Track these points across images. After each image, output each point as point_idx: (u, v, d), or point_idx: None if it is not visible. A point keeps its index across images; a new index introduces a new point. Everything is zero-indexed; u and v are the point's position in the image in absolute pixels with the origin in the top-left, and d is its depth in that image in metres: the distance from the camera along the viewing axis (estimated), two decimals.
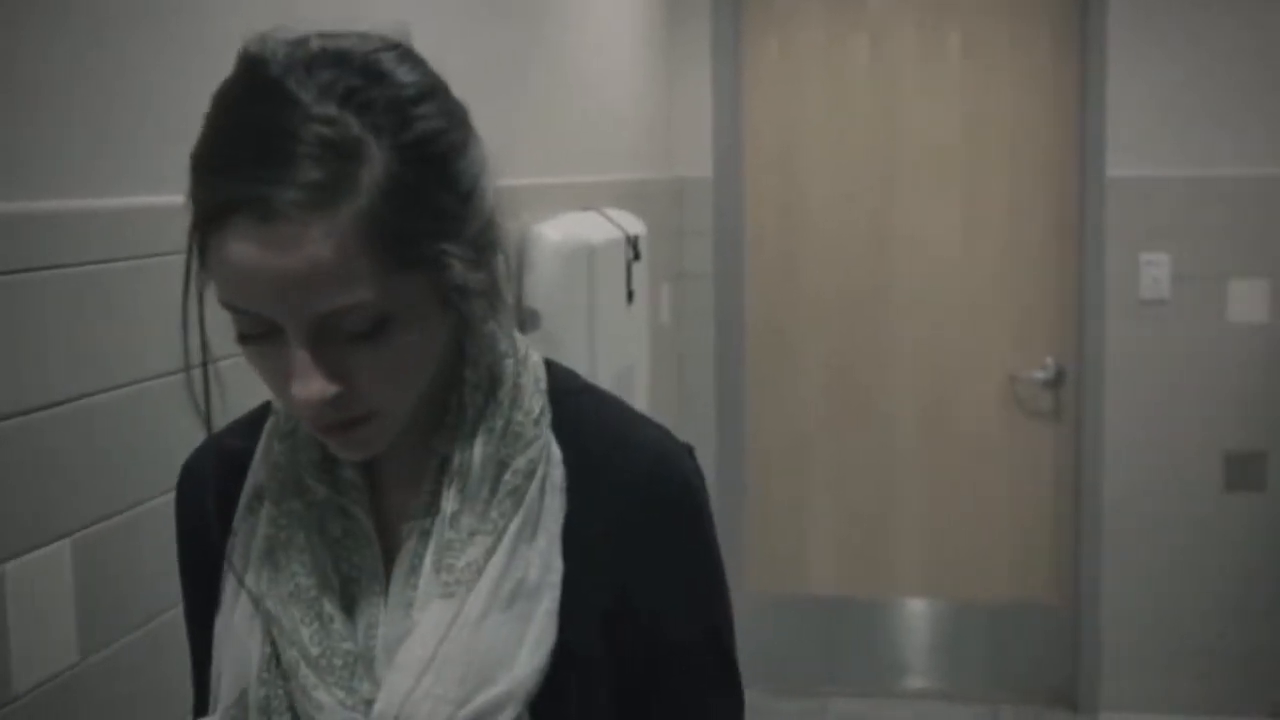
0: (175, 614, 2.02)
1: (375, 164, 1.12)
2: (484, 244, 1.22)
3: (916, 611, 5.70)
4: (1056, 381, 5.45)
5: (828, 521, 5.65)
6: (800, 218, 5.59)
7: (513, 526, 1.25)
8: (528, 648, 1.24)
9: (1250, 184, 5.15)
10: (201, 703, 1.42)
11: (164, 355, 1.99)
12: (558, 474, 1.29)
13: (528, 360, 1.34)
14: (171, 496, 1.96)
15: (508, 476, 1.27)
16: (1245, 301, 5.19)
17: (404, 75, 1.16)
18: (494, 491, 1.26)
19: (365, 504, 1.30)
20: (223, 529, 1.35)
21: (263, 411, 1.38)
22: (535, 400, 1.31)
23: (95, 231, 1.87)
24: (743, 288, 5.61)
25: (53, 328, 1.79)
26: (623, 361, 3.93)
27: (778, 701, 5.54)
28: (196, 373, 1.26)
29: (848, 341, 5.59)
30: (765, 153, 5.58)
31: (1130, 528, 5.31)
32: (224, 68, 1.18)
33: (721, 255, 5.55)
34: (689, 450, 1.36)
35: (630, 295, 4.05)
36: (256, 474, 1.34)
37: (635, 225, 4.20)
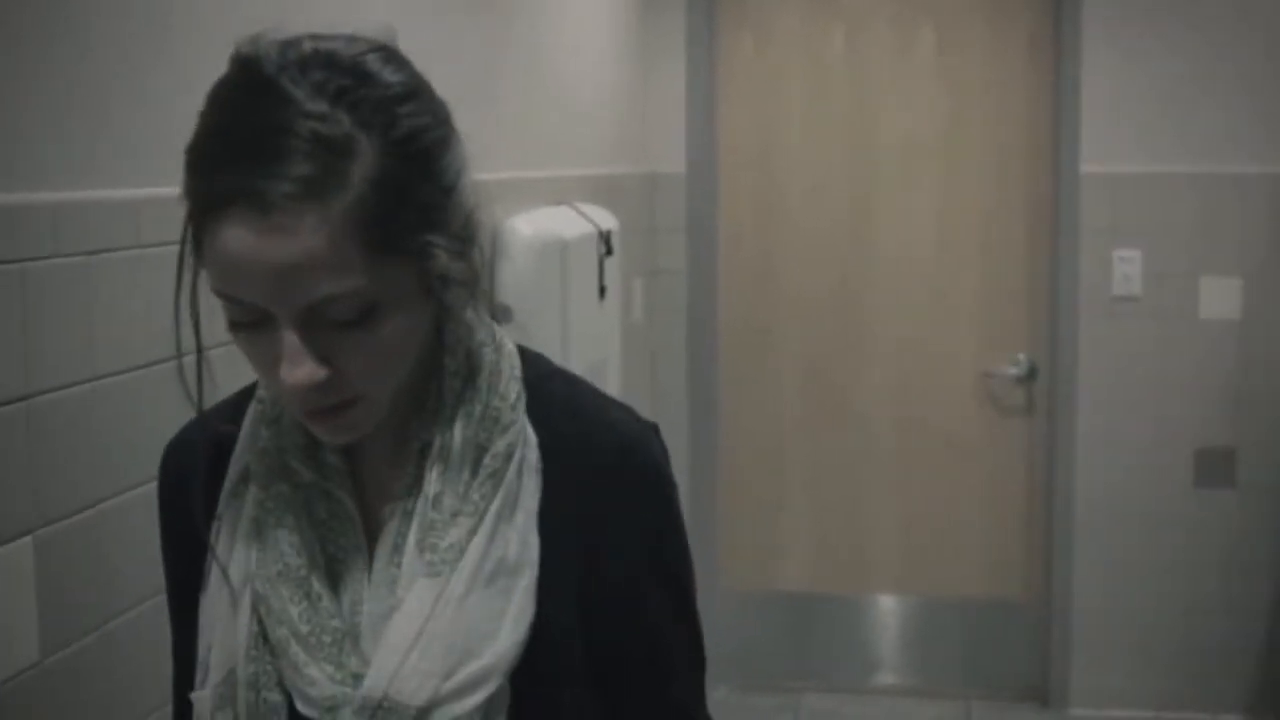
0: (139, 611, 2.01)
1: (365, 159, 1.18)
2: (465, 235, 1.28)
3: (889, 608, 5.70)
4: (1029, 377, 5.45)
5: (801, 518, 5.65)
6: (774, 214, 5.58)
7: (493, 507, 1.31)
8: (509, 622, 1.30)
9: (1224, 181, 5.16)
10: (183, 679, 1.46)
11: (121, 353, 1.98)
12: (533, 456, 1.35)
13: (503, 347, 1.39)
14: (134, 493, 1.96)
15: (487, 460, 1.33)
16: (1217, 298, 5.20)
17: (390, 75, 1.22)
18: (474, 474, 1.32)
19: (349, 487, 1.35)
20: (207, 510, 1.40)
21: (244, 396, 1.43)
22: (512, 386, 1.36)
23: (35, 226, 1.86)
24: (716, 284, 5.60)
25: (1, 324, 1.77)
26: (594, 357, 3.92)
27: (750, 697, 5.53)
28: (188, 360, 1.32)
29: (821, 337, 5.58)
30: (739, 148, 5.57)
31: (1101, 524, 5.32)
32: (219, 65, 1.23)
33: (695, 251, 5.54)
34: (654, 429, 1.43)
35: (602, 291, 4.04)
36: (241, 458, 1.38)
37: (608, 220, 4.19)
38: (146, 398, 2.01)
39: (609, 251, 4.08)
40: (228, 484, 1.39)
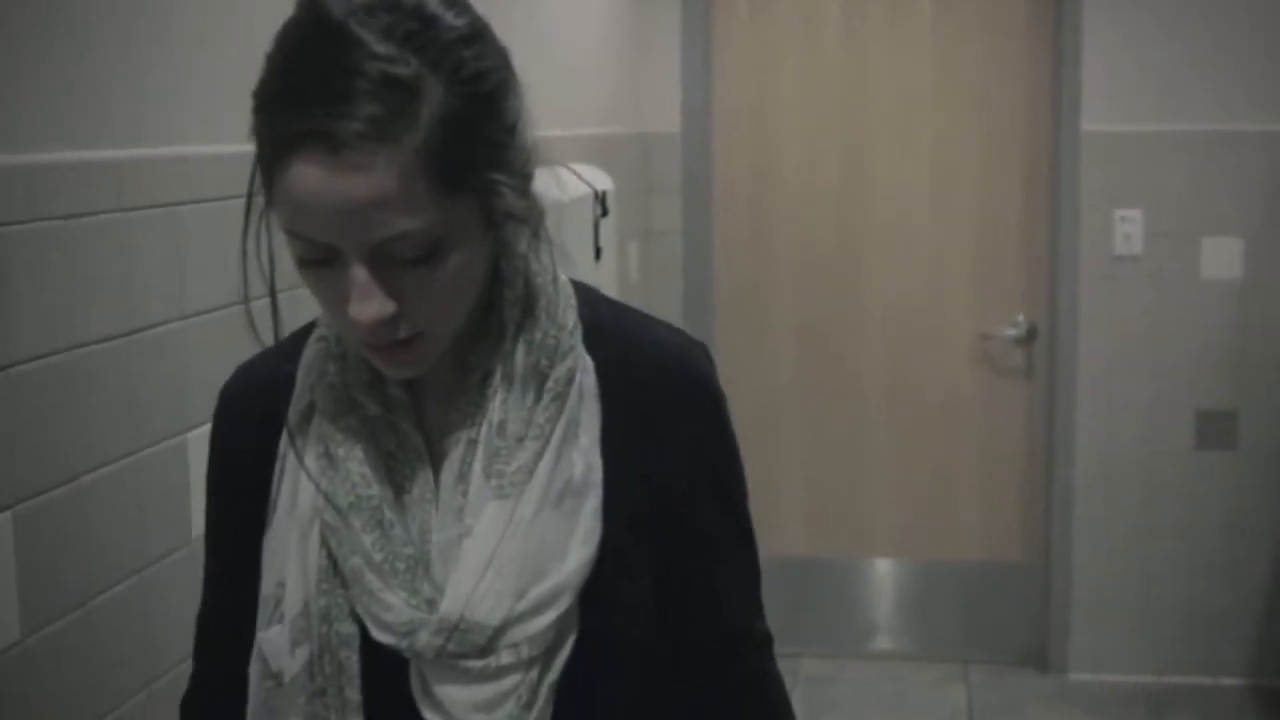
0: (124, 586, 1.96)
1: (434, 99, 1.22)
2: (526, 173, 1.32)
3: (887, 572, 5.67)
4: (1028, 339, 5.40)
5: (797, 482, 5.61)
6: (770, 175, 5.52)
7: (558, 430, 1.35)
8: (577, 541, 1.35)
9: (1225, 139, 5.10)
10: (222, 625, 1.51)
11: (102, 320, 1.92)
12: (590, 381, 1.39)
13: (558, 278, 1.42)
14: (118, 465, 1.91)
15: (549, 384, 1.36)
16: (1218, 258, 5.15)
17: (454, 19, 1.26)
18: (538, 399, 1.36)
19: (412, 420, 1.39)
20: (266, 449, 1.43)
21: (297, 339, 1.46)
22: (569, 314, 1.40)
23: (9, 189, 1.79)
24: (711, 245, 5.54)
25: None
26: None
27: None
28: (256, 305, 1.36)
29: (818, 299, 5.53)
30: (734, 108, 5.51)
31: (1101, 487, 5.28)
32: (265, 26, 1.26)
33: (690, 212, 5.49)
34: (703, 348, 1.47)
35: (598, 252, 3.99)
36: (304, 396, 1.41)
37: (603, 181, 4.14)
38: (130, 366, 1.96)
39: (604, 213, 4.02)
40: (291, 421, 1.40)
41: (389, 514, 1.35)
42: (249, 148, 2.29)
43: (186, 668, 2.09)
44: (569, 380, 1.37)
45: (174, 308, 2.06)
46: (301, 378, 1.42)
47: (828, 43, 5.44)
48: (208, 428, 2.12)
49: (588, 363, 1.40)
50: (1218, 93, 5.08)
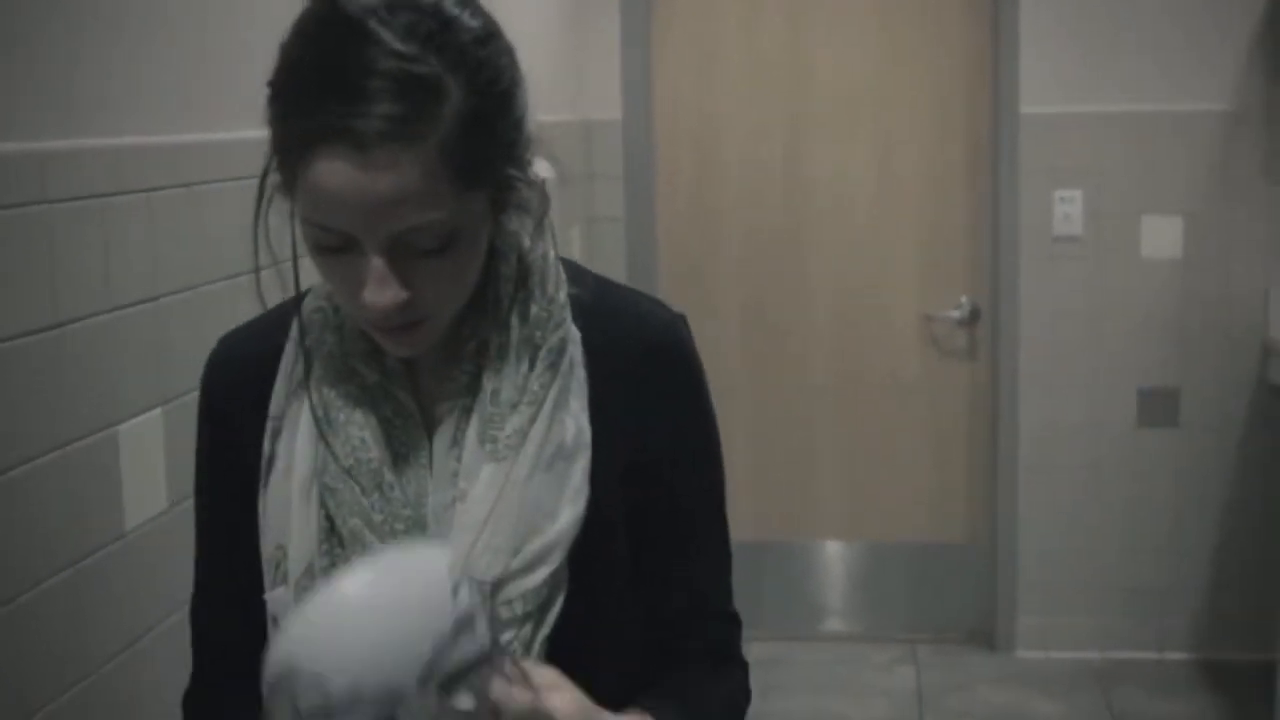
0: (49, 586, 1.94)
1: (454, 99, 1.27)
2: (529, 162, 1.38)
3: (834, 553, 5.69)
4: (971, 320, 5.43)
5: (743, 465, 5.61)
6: (713, 159, 5.53)
7: (551, 395, 1.41)
8: (567, 500, 1.41)
9: (1163, 119, 5.14)
10: (218, 594, 1.55)
11: (28, 314, 1.90)
12: (578, 351, 1.46)
13: (549, 254, 1.47)
14: (43, 461, 1.89)
15: (543, 354, 1.42)
16: (1158, 238, 5.19)
17: (470, 19, 1.31)
18: (531, 367, 1.42)
19: (409, 388, 1.44)
20: (254, 417, 1.47)
21: (280, 312, 1.51)
22: (560, 289, 1.46)
23: None
24: (654, 230, 5.54)
25: None
26: None
27: None
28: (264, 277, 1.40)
29: (762, 283, 5.54)
30: (676, 94, 5.51)
31: (1045, 465, 5.32)
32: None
33: (633, 198, 5.49)
34: (683, 319, 1.56)
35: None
36: (296, 365, 1.46)
37: (544, 169, 4.12)
38: (58, 360, 1.94)
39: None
40: (285, 387, 1.46)
41: (389, 476, 1.41)
42: (179, 138, 2.28)
43: (121, 662, 2.09)
44: (561, 350, 1.43)
45: (102, 300, 2.05)
46: (293, 347, 1.47)
47: (769, 27, 5.45)
48: (139, 420, 2.13)
49: (575, 334, 1.46)
50: (1154, 74, 5.12)
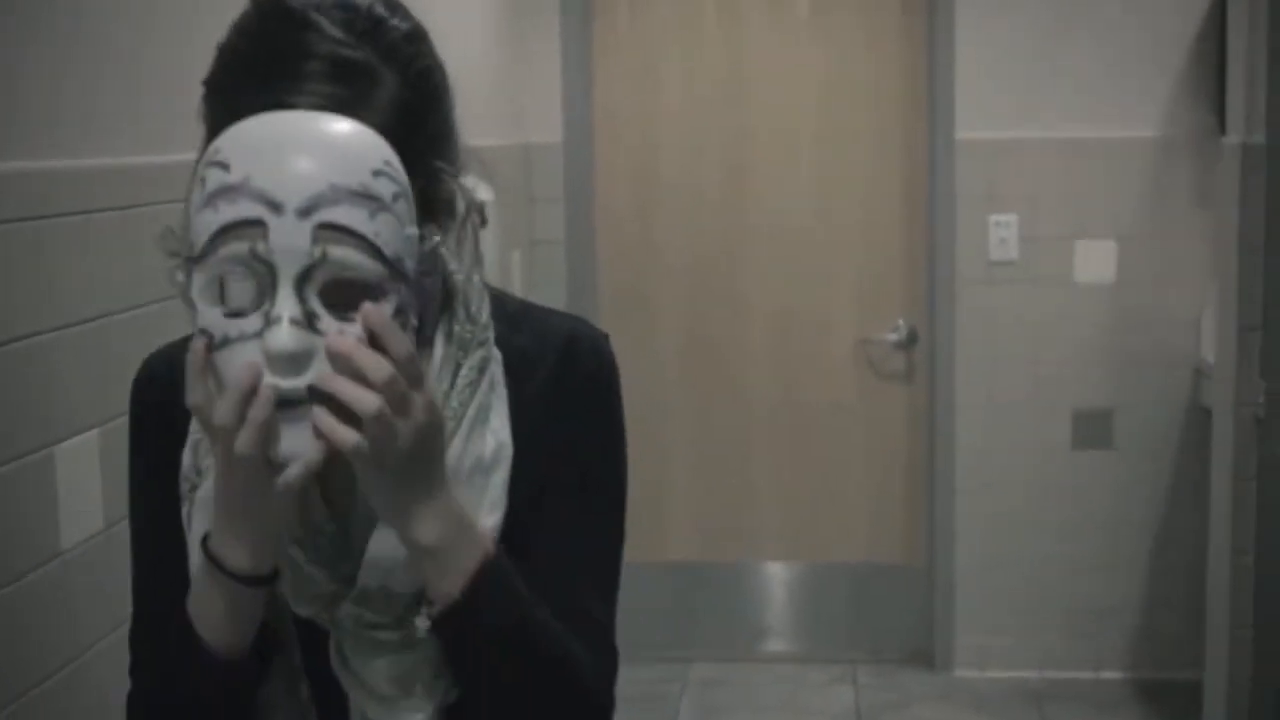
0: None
1: (387, 87, 1.34)
2: (455, 160, 1.43)
3: (774, 574, 5.72)
4: (908, 343, 5.48)
5: (683, 488, 5.64)
6: (652, 183, 5.56)
7: (469, 413, 1.43)
8: (485, 512, 1.42)
9: (1096, 146, 5.21)
10: (157, 602, 1.50)
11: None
12: (499, 370, 1.48)
13: (473, 278, 1.49)
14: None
15: (463, 372, 1.44)
16: (1092, 262, 5.26)
17: (400, 21, 1.38)
18: (452, 386, 1.43)
19: None
20: (178, 433, 1.48)
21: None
22: (483, 310, 1.48)
23: None
24: (594, 254, 5.57)
25: None
26: None
27: (636, 669, 5.50)
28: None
29: (702, 307, 5.58)
30: (615, 117, 5.54)
31: (982, 486, 5.37)
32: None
33: (573, 222, 5.51)
34: (605, 337, 1.56)
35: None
36: None
37: (483, 192, 4.15)
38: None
39: (483, 223, 4.04)
40: None
41: (312, 492, 1.41)
42: (116, 161, 2.29)
43: (59, 680, 2.10)
44: (481, 369, 1.45)
45: (40, 321, 2.06)
46: None
47: (707, 52, 5.49)
48: (76, 441, 2.14)
49: (497, 354, 1.48)
50: (1087, 100, 5.19)
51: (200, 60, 1.38)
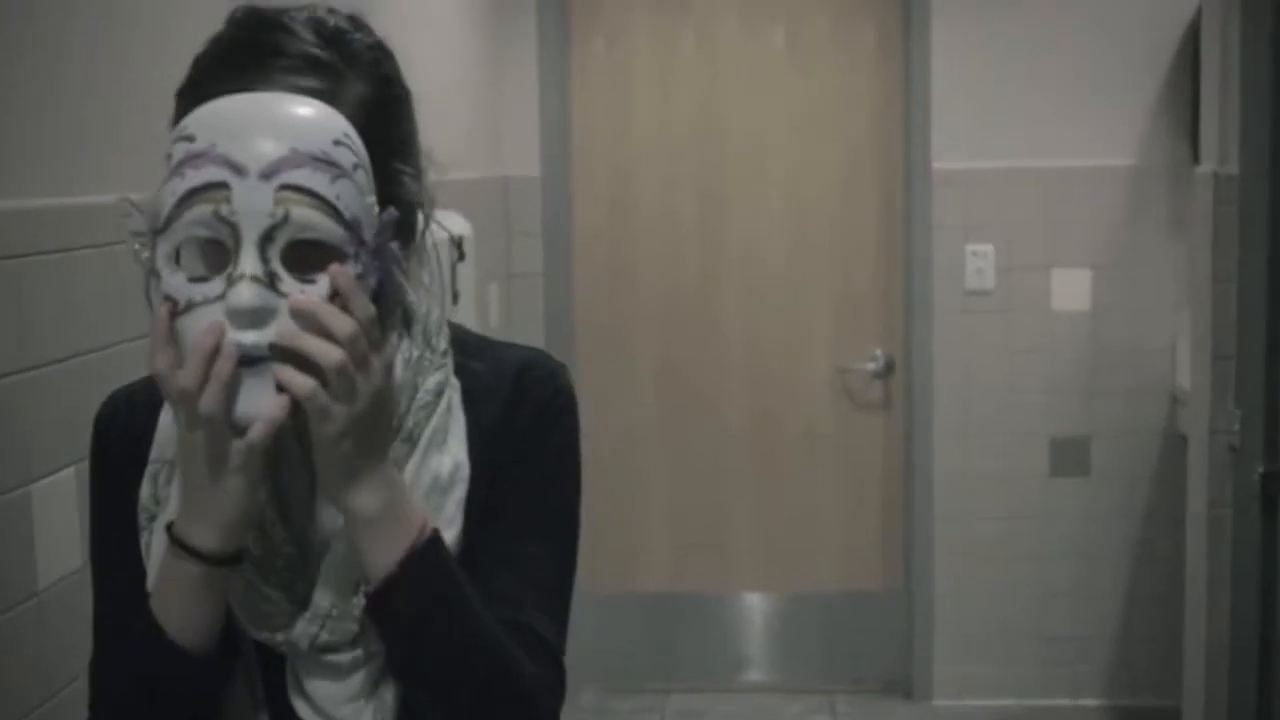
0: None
1: (355, 87, 1.39)
2: (417, 166, 1.48)
3: (751, 605, 5.72)
4: (885, 372, 5.50)
5: (660, 519, 5.64)
6: (629, 215, 5.58)
7: (425, 435, 1.46)
8: (441, 527, 1.43)
9: (1072, 175, 5.25)
10: (118, 633, 1.50)
11: None
12: (457, 396, 1.51)
13: (431, 311, 1.53)
14: None
15: (419, 396, 1.47)
16: (1068, 290, 5.28)
17: (367, 36, 1.45)
18: (408, 410, 1.46)
19: (292, 428, 1.41)
20: (138, 463, 1.49)
21: None
22: (441, 339, 1.52)
23: None
24: (572, 287, 5.58)
25: None
26: None
27: (614, 700, 5.53)
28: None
29: (678, 338, 5.59)
30: (593, 150, 5.56)
31: (959, 515, 5.38)
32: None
33: (551, 255, 5.51)
34: (563, 367, 1.60)
35: (455, 297, 4.01)
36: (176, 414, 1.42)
37: (460, 225, 4.16)
38: None
39: (461, 257, 4.05)
40: (168, 430, 1.46)
41: (270, 513, 1.43)
42: (94, 199, 2.29)
43: None
44: (438, 393, 1.48)
45: (15, 360, 2.06)
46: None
47: (684, 85, 5.52)
48: (52, 480, 2.14)
49: (455, 383, 1.51)
50: (1063, 130, 5.22)
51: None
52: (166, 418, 1.49)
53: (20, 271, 2.08)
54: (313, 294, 1.31)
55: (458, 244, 4.02)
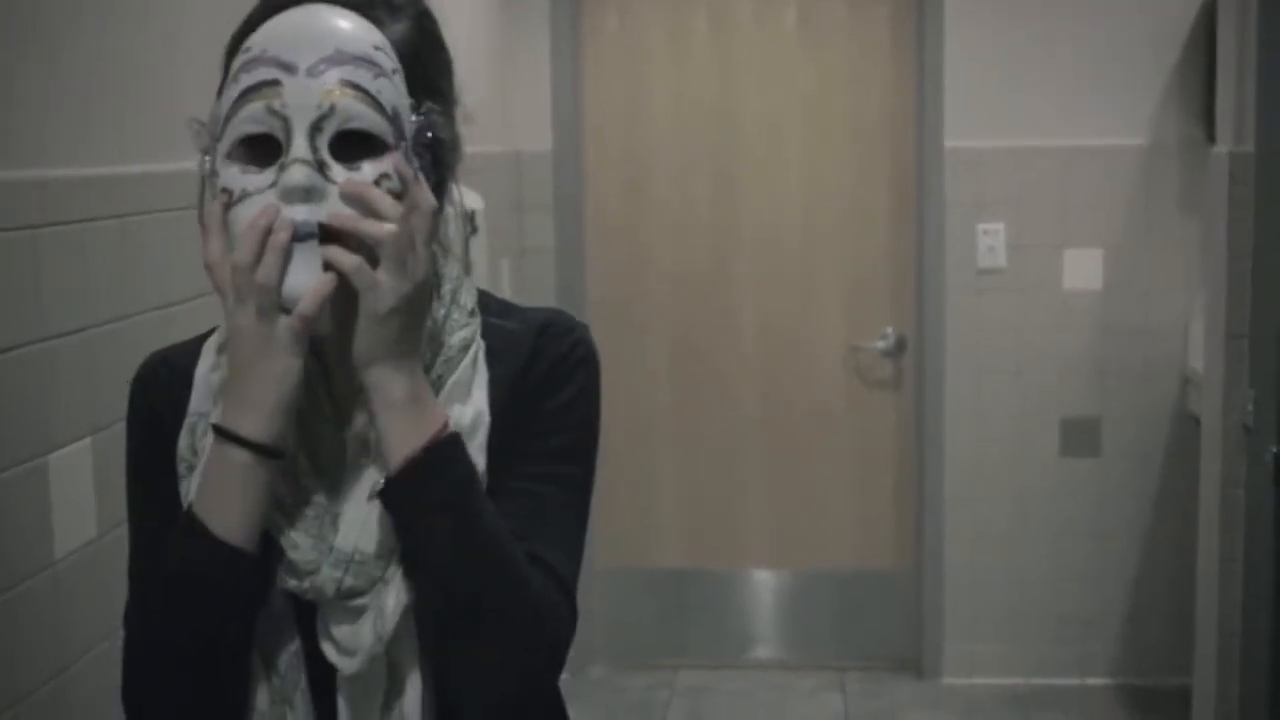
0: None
1: (397, 26, 1.47)
2: (452, 111, 1.53)
3: (762, 582, 5.72)
4: (896, 351, 5.49)
5: (672, 495, 5.65)
6: (641, 191, 5.57)
7: (448, 385, 1.50)
8: None
9: (1084, 154, 5.23)
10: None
11: None
12: (481, 351, 1.54)
13: (460, 275, 1.58)
14: None
15: (444, 351, 1.52)
16: (1079, 270, 5.27)
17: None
18: (433, 363, 1.50)
19: (325, 386, 1.51)
20: (177, 421, 1.53)
21: (199, 338, 1.60)
22: (469, 299, 1.56)
23: None
24: (584, 262, 5.58)
25: None
26: None
27: (625, 676, 5.54)
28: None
29: (690, 315, 5.58)
30: (605, 125, 5.55)
31: (970, 494, 5.38)
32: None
33: (562, 230, 5.51)
34: (585, 327, 1.62)
35: (467, 269, 4.00)
36: (216, 368, 1.52)
37: (473, 200, 4.15)
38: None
39: (474, 231, 4.05)
40: (205, 385, 1.52)
41: (303, 464, 1.48)
42: (112, 170, 2.29)
43: (51, 689, 2.10)
44: (463, 349, 1.52)
45: (33, 330, 2.06)
46: (213, 355, 1.54)
47: (696, 60, 5.50)
48: (69, 450, 2.14)
49: (480, 342, 1.55)
50: (1075, 109, 5.21)
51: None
52: (203, 369, 1.54)
53: (37, 242, 2.08)
54: (359, 178, 1.39)
55: (470, 218, 4.02)
